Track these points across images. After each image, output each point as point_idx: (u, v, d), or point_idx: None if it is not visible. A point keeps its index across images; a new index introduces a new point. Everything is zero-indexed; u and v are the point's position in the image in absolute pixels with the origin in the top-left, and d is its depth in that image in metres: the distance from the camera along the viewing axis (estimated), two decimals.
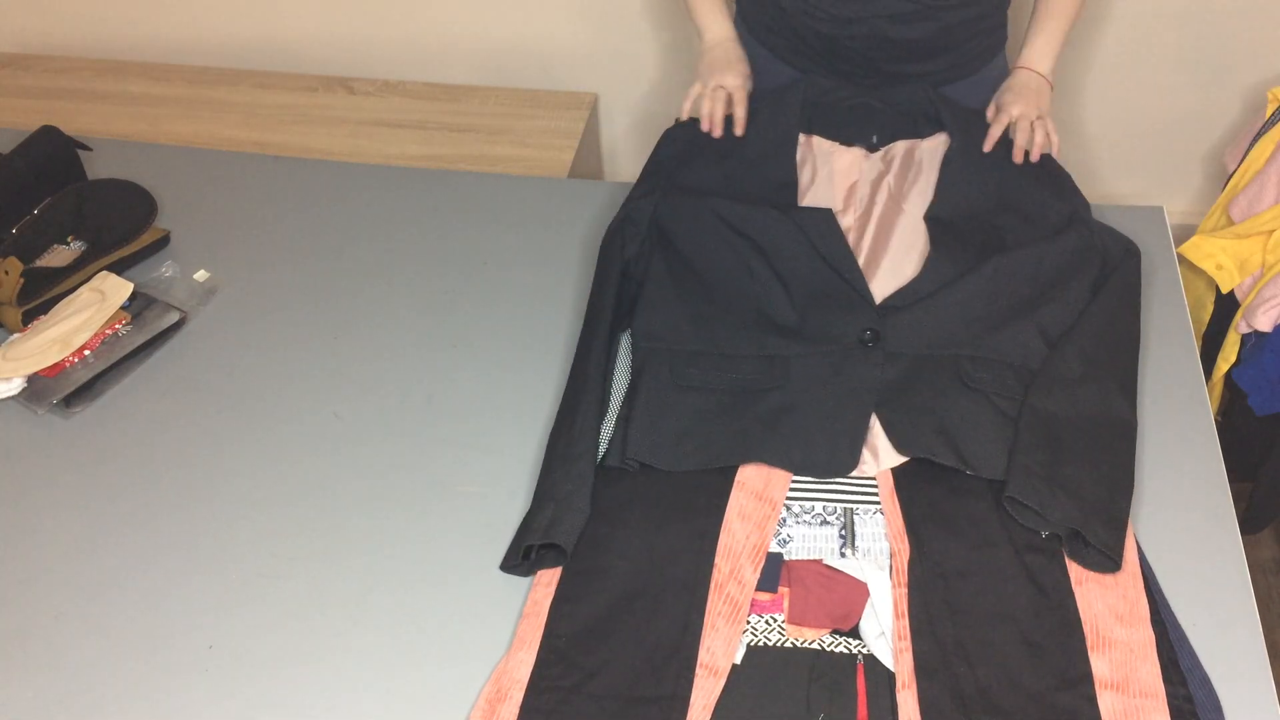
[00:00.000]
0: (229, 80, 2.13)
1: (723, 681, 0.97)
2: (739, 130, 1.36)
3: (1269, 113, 1.64)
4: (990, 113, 1.37)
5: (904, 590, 1.00)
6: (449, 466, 1.18)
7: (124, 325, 1.34)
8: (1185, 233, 2.10)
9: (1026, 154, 1.31)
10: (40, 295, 1.37)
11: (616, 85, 2.14)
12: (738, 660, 0.99)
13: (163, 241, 1.47)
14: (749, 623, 1.01)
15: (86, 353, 1.31)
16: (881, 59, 1.38)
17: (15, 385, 1.28)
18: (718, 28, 1.44)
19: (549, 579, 1.05)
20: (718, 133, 1.36)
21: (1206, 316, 1.79)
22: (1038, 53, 1.39)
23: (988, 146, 1.32)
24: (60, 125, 1.57)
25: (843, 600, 1.01)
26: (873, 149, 1.36)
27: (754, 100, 1.39)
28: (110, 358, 1.30)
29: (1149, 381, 1.22)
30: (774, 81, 1.44)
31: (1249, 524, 1.73)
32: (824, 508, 1.08)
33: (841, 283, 1.20)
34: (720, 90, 1.38)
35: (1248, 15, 1.82)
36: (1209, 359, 1.73)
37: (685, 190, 1.31)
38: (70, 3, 2.19)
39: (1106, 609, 0.99)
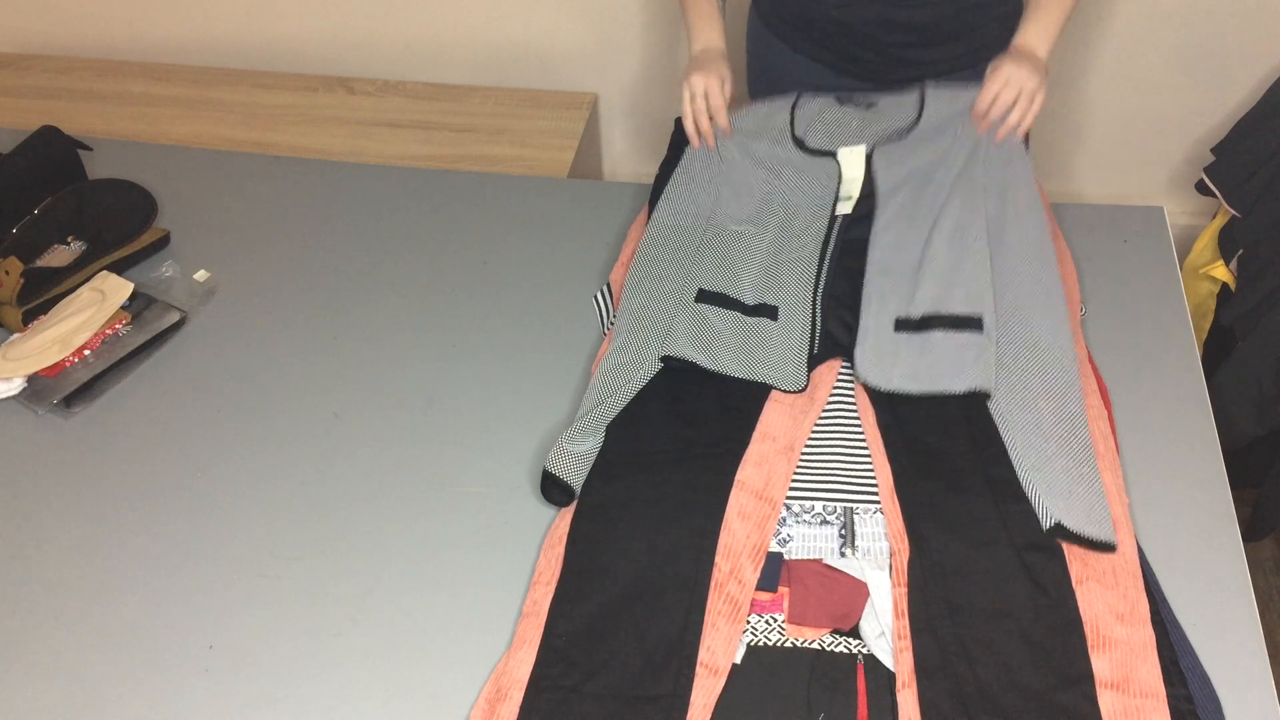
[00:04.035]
0: (229, 80, 2.13)
1: (723, 681, 0.97)
2: (725, 132, 1.37)
3: None
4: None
5: (904, 590, 1.00)
6: (449, 466, 1.18)
7: (124, 325, 1.34)
8: (1185, 233, 2.10)
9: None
10: (40, 295, 1.37)
11: (616, 85, 2.14)
12: (738, 660, 0.99)
13: (163, 241, 1.47)
14: (749, 622, 1.01)
15: (86, 353, 1.31)
16: (890, 43, 1.37)
17: (15, 385, 1.28)
18: (706, 36, 1.41)
19: (549, 578, 1.05)
20: (710, 145, 1.37)
21: (1208, 324, 1.79)
22: (1035, 35, 1.31)
23: (979, 107, 1.30)
24: (60, 125, 1.57)
25: (843, 600, 1.01)
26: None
27: (743, 118, 1.39)
28: (110, 358, 1.30)
29: (1149, 381, 1.22)
30: (788, 74, 1.44)
31: (1253, 532, 1.73)
32: (824, 507, 1.08)
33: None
34: (699, 101, 1.36)
35: (1248, 15, 1.82)
36: (1209, 361, 1.73)
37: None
38: (70, 3, 2.19)
39: (1107, 608, 0.99)
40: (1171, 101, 1.97)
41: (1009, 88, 1.27)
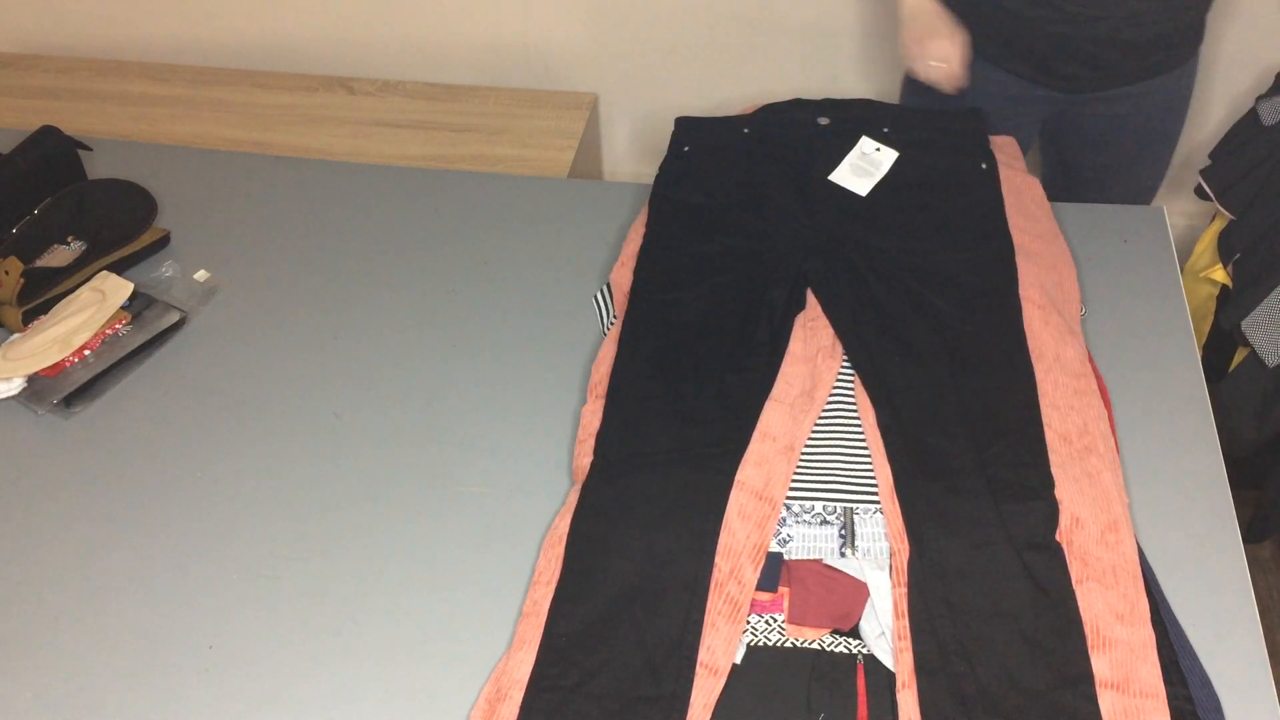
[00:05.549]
0: (229, 80, 2.13)
1: (723, 681, 0.97)
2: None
3: None
4: None
5: (904, 590, 1.00)
6: (449, 466, 1.18)
7: (124, 325, 1.34)
8: (1185, 233, 2.10)
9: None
10: (40, 295, 1.37)
11: (616, 85, 2.14)
12: (738, 660, 0.99)
13: (163, 241, 1.47)
14: (749, 622, 1.01)
15: (86, 353, 1.31)
16: (1113, 58, 1.40)
17: (15, 385, 1.28)
18: None
19: (549, 578, 1.05)
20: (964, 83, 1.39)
21: (1208, 326, 1.79)
22: None
23: None
24: (60, 125, 1.57)
25: (843, 600, 1.01)
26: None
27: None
28: (110, 358, 1.30)
29: (1149, 382, 1.22)
30: (974, 82, 1.46)
31: (1254, 533, 1.72)
32: (824, 507, 1.08)
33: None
34: (939, 66, 1.36)
35: (1244, 17, 1.82)
36: (1209, 364, 1.73)
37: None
38: (70, 3, 2.19)
39: (1106, 608, 0.99)
40: None
41: None
